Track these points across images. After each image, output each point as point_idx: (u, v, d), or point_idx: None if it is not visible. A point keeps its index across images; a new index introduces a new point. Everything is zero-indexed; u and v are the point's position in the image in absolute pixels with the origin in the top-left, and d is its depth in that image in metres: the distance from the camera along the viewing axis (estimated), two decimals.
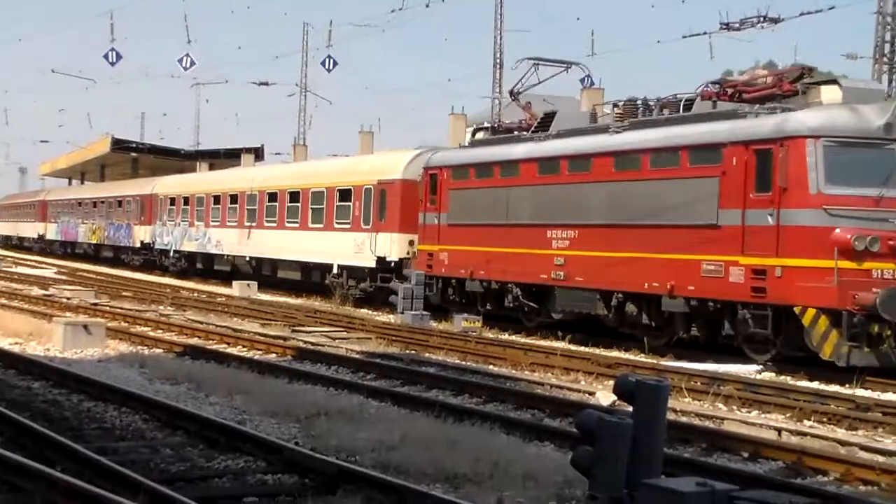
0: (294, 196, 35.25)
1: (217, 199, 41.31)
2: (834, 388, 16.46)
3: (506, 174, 24.78)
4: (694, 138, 19.67)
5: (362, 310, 29.50)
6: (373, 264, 29.34)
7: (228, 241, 39.69)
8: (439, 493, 7.63)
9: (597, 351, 20.72)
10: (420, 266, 26.95)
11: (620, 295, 21.21)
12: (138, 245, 49.63)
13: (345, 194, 31.82)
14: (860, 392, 15.96)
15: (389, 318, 26.74)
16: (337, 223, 31.82)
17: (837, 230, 17.08)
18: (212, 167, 56.59)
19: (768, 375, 17.87)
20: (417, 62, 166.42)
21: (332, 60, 48.99)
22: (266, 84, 54.17)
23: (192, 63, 43.88)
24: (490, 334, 23.60)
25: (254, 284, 35.38)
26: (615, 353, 20.38)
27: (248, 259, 38.60)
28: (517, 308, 24.67)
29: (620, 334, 22.22)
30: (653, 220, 20.28)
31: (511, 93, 27.42)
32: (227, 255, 40.19)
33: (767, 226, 17.72)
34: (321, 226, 32.82)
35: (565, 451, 9.30)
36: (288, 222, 35.31)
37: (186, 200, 44.53)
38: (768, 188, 17.83)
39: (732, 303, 18.49)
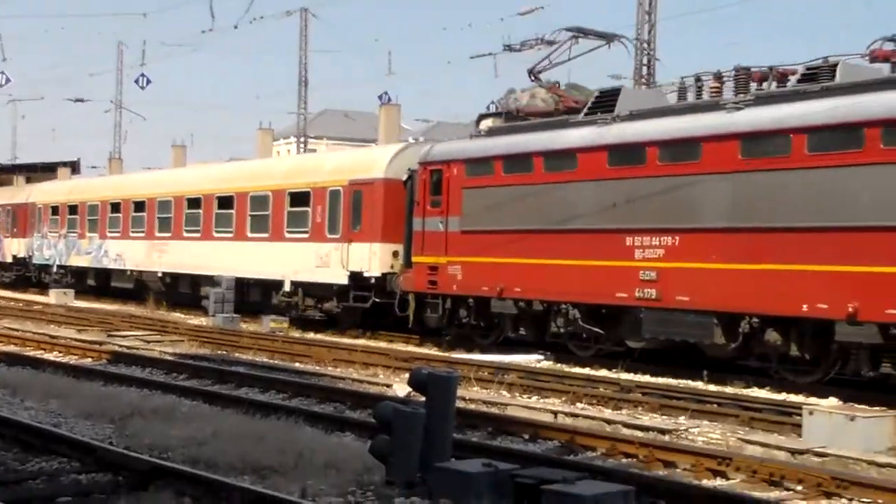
0: (225, 202, 29.06)
1: (116, 207, 35.22)
2: (603, 372, 17.77)
3: (554, 167, 19.29)
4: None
5: (175, 313, 29.09)
6: (344, 280, 23.82)
7: (132, 254, 33.63)
8: (247, 484, 7.82)
9: (394, 346, 21.51)
10: (417, 283, 21.62)
11: (756, 319, 15.78)
12: (10, 260, 43.48)
13: (300, 198, 25.87)
14: (624, 376, 17.14)
15: (202, 320, 26.54)
16: (289, 232, 26.06)
17: None
18: (29, 180, 52.80)
19: (547, 364, 19.02)
20: (227, 80, 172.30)
21: (145, 78, 49.62)
22: (81, 101, 53.94)
23: (8, 80, 44.43)
24: (296, 334, 24.05)
25: (70, 292, 33.60)
26: (411, 348, 21.23)
27: (160, 275, 32.18)
28: (569, 334, 19.29)
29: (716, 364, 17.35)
30: (820, 220, 14.88)
31: (531, 72, 21.76)
32: (131, 271, 33.97)
33: None
34: (265, 235, 27.00)
35: (365, 441, 9.69)
36: (217, 232, 29.29)
37: (74, 209, 38.26)
38: None
39: None
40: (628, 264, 17.53)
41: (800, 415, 12.35)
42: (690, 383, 16.80)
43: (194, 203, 30.55)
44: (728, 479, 9.79)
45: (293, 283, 25.30)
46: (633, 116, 18.28)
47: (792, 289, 15.04)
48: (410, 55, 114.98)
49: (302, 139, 49.48)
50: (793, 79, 16.48)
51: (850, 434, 11.23)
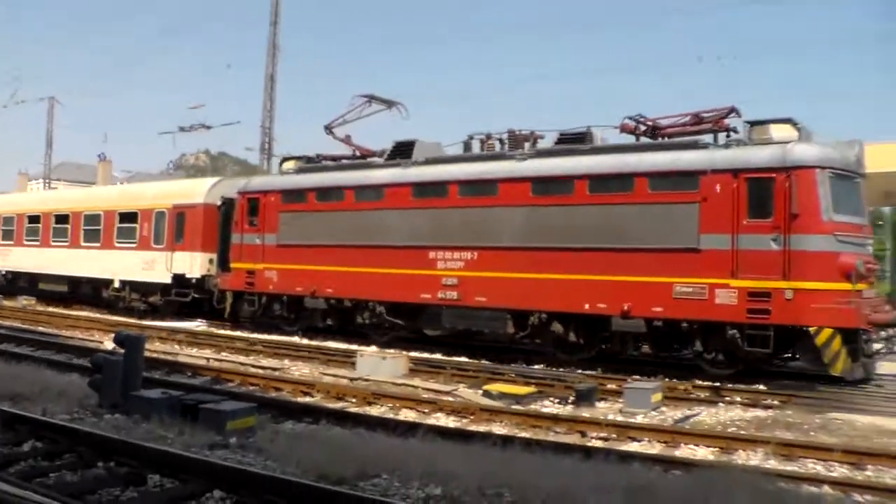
0: (61, 218, 35.34)
1: None
2: (238, 333, 25.14)
3: (363, 197, 23.53)
4: (665, 165, 18.42)
5: None
6: (168, 280, 29.50)
7: None
8: (6, 407, 11.14)
9: (108, 316, 29.15)
10: (235, 283, 26.61)
11: (544, 315, 20.13)
12: None
13: (129, 217, 31.65)
14: (296, 339, 24.51)
15: None
16: (119, 242, 31.77)
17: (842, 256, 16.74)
18: None
19: (203, 329, 26.52)
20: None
21: None
22: None
23: None
24: (41, 308, 32.21)
25: None
26: (117, 318, 28.50)
27: (2, 273, 39.00)
28: (374, 325, 23.68)
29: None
30: (599, 243, 19.10)
31: (327, 127, 26.26)
32: None
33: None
34: (97, 244, 32.87)
35: (85, 378, 13.37)
36: (54, 241, 35.60)
37: None
38: (768, 215, 17.00)
39: None
40: (432, 273, 21.76)
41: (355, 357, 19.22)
42: (294, 339, 24.25)
43: (34, 219, 37.07)
44: (313, 396, 15.60)
45: (122, 282, 31.36)
46: (430, 161, 22.92)
47: (576, 292, 19.15)
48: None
49: (47, 181, 71.45)
50: (548, 140, 21.27)
51: (383, 367, 17.88)
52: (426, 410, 14.65)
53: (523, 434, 12.82)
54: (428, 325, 23.33)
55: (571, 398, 15.87)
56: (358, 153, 25.94)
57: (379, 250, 23.04)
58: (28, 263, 36.96)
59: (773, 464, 11.26)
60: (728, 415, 14.72)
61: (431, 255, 21.91)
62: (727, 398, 16.43)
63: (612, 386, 17.05)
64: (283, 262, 25.32)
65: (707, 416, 14.59)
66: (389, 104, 26.35)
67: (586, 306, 19.17)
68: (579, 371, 19.29)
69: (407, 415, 14.38)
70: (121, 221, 31.89)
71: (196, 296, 29.10)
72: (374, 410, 14.61)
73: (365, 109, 26.00)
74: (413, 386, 17.03)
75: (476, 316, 21.32)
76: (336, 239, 24.09)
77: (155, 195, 31.54)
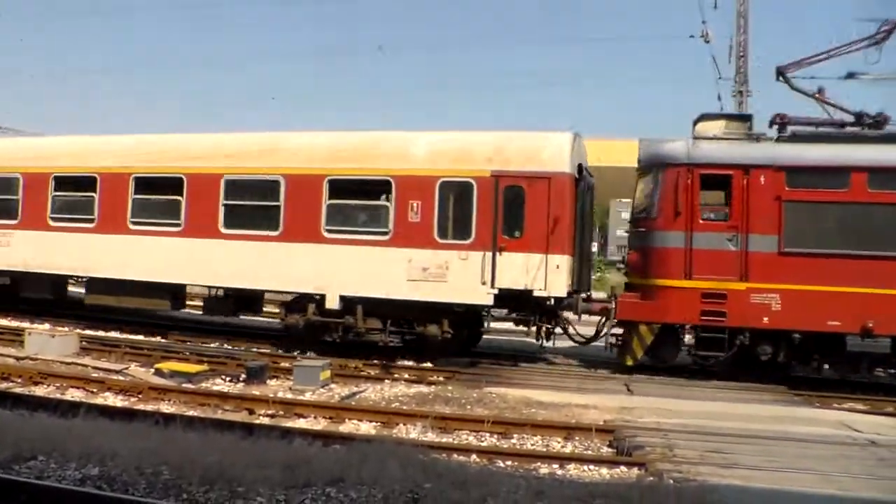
0: (158, 185, 20.95)
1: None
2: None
3: None
4: None
5: None
6: (486, 299, 17.84)
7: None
8: None
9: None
10: (675, 313, 17.51)
11: None
12: None
13: (361, 188, 19.20)
14: None
15: None
16: (333, 231, 18.91)
17: None
18: None
19: None
20: None
21: None
22: None
23: None
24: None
25: None
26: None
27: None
28: None
29: None
30: None
31: (781, 71, 18.80)
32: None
33: None
34: (273, 233, 19.46)
35: None
36: (137, 224, 20.97)
37: None
38: None
39: None
40: None
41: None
42: None
43: (79, 183, 22.01)
44: None
45: (346, 299, 18.88)
46: None
47: None
48: None
49: None
50: None
51: (52, 346, 17.25)
52: (94, 390, 14.40)
53: (191, 412, 12.91)
54: None
55: (243, 376, 16.10)
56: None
57: None
58: (118, 263, 21.17)
59: (430, 436, 12.10)
60: (393, 391, 15.55)
61: None
62: (395, 375, 17.29)
63: (285, 364, 17.45)
64: (796, 281, 17.00)
65: (373, 393, 15.35)
66: None
67: None
68: (255, 349, 19.53)
69: (74, 394, 14.07)
70: (337, 195, 19.26)
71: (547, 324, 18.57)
72: (40, 391, 14.14)
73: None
74: (83, 365, 16.57)
75: None
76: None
77: (438, 153, 18.68)
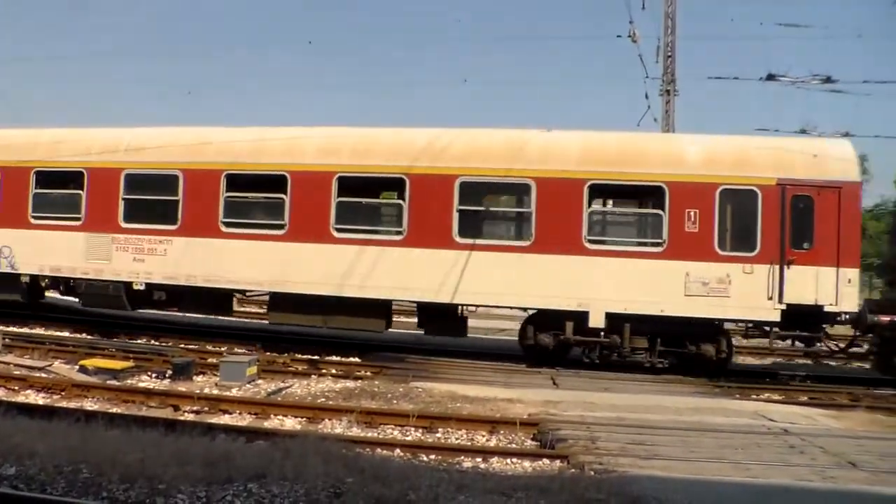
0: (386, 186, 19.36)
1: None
2: None
3: None
4: None
5: None
6: (773, 316, 17.03)
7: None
8: None
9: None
10: None
11: None
12: None
13: (621, 192, 18.13)
14: None
15: None
16: (597, 242, 17.43)
17: None
18: None
19: None
20: None
21: None
22: None
23: None
24: None
25: None
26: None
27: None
28: None
29: None
30: None
31: None
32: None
33: None
34: (514, 243, 17.75)
35: None
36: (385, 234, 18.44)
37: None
38: None
39: None
40: None
41: None
42: None
43: (265, 183, 18.95)
44: None
45: (612, 316, 17.37)
46: None
47: None
48: None
49: None
50: None
51: None
52: (16, 388, 14.13)
53: (115, 409, 12.76)
54: None
55: (169, 372, 15.95)
56: None
57: None
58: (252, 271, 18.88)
59: (355, 431, 12.12)
60: (319, 386, 15.53)
61: None
62: (323, 370, 17.26)
63: (212, 360, 17.31)
64: None
65: (300, 388, 15.31)
66: None
67: None
68: (183, 345, 19.35)
69: None
70: (600, 202, 18.66)
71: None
72: None
73: None
74: (5, 363, 16.24)
75: None
76: None
77: (715, 158, 17.59)
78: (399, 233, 17.94)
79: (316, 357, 18.44)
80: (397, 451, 10.86)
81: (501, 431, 12.28)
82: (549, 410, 13.43)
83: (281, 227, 18.52)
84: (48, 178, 20.61)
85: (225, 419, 12.63)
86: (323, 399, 14.28)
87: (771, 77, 31.64)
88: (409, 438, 11.91)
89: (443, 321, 18.38)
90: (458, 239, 17.54)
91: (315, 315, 18.44)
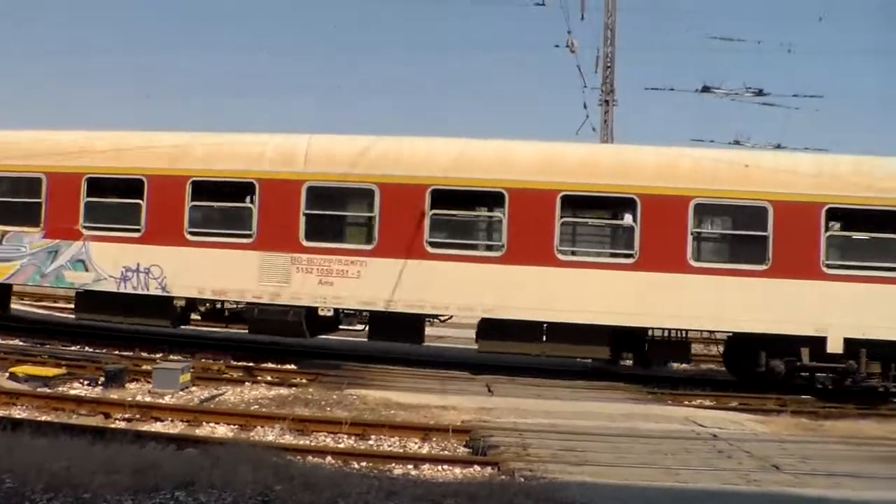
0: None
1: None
2: None
3: None
4: None
5: None
6: None
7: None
8: None
9: None
10: None
11: None
12: None
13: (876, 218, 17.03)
14: None
15: None
16: (830, 266, 16.96)
17: None
18: None
19: None
20: None
21: None
22: None
23: None
24: None
25: None
26: None
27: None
28: None
29: None
30: None
31: None
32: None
33: None
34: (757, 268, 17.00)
35: None
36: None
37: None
38: None
39: None
40: None
41: None
42: None
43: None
44: None
45: (851, 342, 16.86)
46: None
47: None
48: None
49: None
50: None
51: None
52: None
53: (44, 417, 12.56)
54: None
55: (102, 379, 15.75)
56: None
57: None
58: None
59: (287, 438, 12.08)
60: (253, 393, 15.44)
61: None
62: (258, 378, 17.16)
63: (146, 367, 17.12)
64: None
65: (233, 395, 15.21)
66: None
67: None
68: (117, 352, 19.10)
69: None
70: (843, 227, 18.11)
71: None
72: None
73: None
74: None
75: None
76: None
77: None
78: (630, 255, 17.31)
79: (251, 364, 18.31)
80: (329, 458, 10.85)
81: (434, 438, 12.32)
82: (482, 417, 13.50)
83: (499, 248, 17.54)
84: (209, 190, 18.66)
85: (156, 427, 12.50)
86: (256, 406, 14.20)
87: (706, 89, 32.21)
88: (341, 446, 11.91)
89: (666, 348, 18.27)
90: (692, 263, 17.09)
91: (532, 343, 17.65)
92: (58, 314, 24.56)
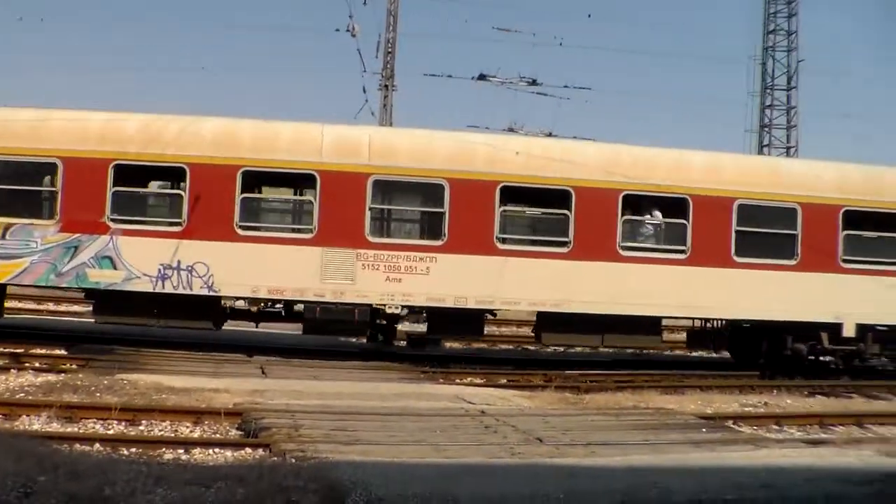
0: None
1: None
2: None
3: None
4: None
5: None
6: None
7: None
8: None
9: None
10: None
11: None
12: None
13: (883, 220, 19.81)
14: None
15: None
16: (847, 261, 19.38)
17: None
18: None
19: None
20: None
21: None
22: None
23: None
24: None
25: None
26: None
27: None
28: None
29: None
30: None
31: None
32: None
33: None
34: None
35: None
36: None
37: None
38: None
39: None
40: None
41: None
42: None
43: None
44: None
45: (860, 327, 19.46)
46: None
47: None
48: None
49: None
50: None
51: None
52: None
53: None
54: None
55: None
56: None
57: None
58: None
59: (55, 426, 11.72)
60: (19, 381, 14.85)
61: None
62: (25, 364, 16.48)
63: None
64: None
65: None
66: None
67: None
68: None
69: None
70: (854, 228, 19.87)
71: None
72: None
73: None
74: None
75: None
76: None
77: None
78: (682, 251, 18.55)
79: (20, 350, 17.51)
80: (97, 445, 10.61)
81: (206, 422, 12.28)
82: (255, 399, 13.56)
83: (564, 244, 18.01)
84: (260, 180, 17.84)
85: None
86: (22, 394, 13.65)
87: (483, 77, 33.21)
88: (110, 432, 11.67)
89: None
90: (735, 258, 18.65)
91: (592, 335, 18.81)
92: None
